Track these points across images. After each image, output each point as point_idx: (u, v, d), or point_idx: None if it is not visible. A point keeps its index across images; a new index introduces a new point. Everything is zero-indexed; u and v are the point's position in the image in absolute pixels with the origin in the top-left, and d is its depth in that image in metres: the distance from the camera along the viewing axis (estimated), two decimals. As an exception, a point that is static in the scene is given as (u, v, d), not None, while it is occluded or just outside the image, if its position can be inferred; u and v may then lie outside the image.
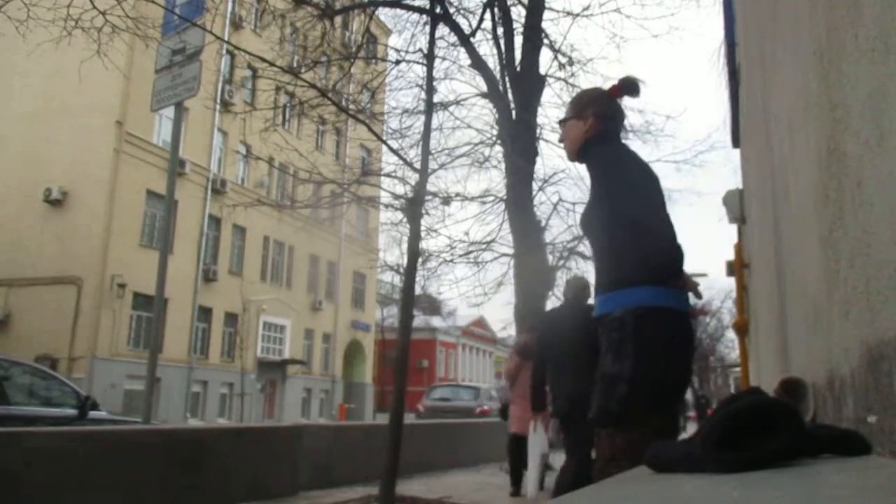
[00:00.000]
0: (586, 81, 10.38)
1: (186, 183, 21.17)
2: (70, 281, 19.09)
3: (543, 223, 10.88)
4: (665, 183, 2.21)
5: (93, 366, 18.56)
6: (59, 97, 19.67)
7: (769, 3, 2.40)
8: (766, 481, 0.94)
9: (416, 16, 8.75)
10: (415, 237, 5.68)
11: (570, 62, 10.16)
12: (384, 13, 11.91)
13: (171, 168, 6.90)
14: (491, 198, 10.36)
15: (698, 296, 2.20)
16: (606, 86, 2.33)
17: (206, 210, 22.72)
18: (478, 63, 9.28)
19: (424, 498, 5.88)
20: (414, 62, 7.70)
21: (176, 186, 7.26)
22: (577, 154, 2.25)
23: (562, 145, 2.32)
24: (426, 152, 5.89)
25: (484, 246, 10.48)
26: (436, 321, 40.58)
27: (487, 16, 9.36)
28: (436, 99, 8.21)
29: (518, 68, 9.86)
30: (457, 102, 9.97)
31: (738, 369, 14.25)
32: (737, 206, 5.69)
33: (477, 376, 44.34)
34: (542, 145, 10.51)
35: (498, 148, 10.16)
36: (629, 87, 2.21)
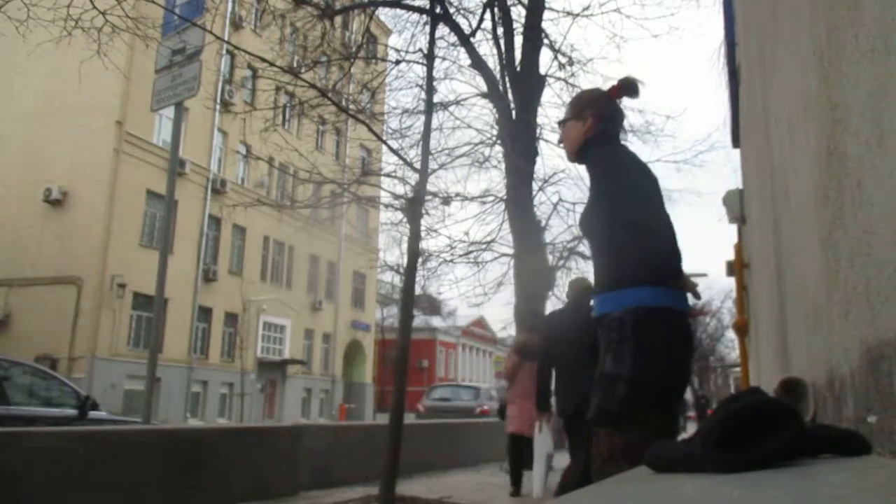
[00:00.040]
0: (586, 81, 10.42)
1: (186, 183, 21.17)
2: (70, 281, 19.09)
3: (543, 223, 10.90)
4: (665, 183, 2.22)
5: (93, 366, 18.56)
6: (59, 97, 19.66)
7: (769, 3, 2.39)
8: (766, 481, 0.94)
9: (416, 16, 8.77)
10: (415, 237, 5.68)
11: (570, 62, 10.19)
12: (384, 13, 11.93)
13: (171, 168, 6.90)
14: (491, 198, 10.38)
15: (697, 297, 2.20)
16: (606, 86, 2.33)
17: (206, 210, 22.71)
18: (478, 63, 9.29)
19: (424, 498, 5.87)
20: (414, 62, 7.71)
21: (176, 186, 7.25)
22: (576, 155, 2.25)
23: (561, 146, 2.33)
24: (426, 152, 5.89)
25: (484, 246, 10.49)
26: (436, 321, 40.58)
27: (487, 16, 9.38)
28: (436, 99, 8.22)
29: (518, 68, 9.87)
30: (457, 102, 9.98)
31: (738, 369, 14.25)
32: (737, 206, 5.69)
33: (477, 376, 44.31)
34: (542, 145, 10.54)
35: (498, 148, 10.17)
36: (628, 87, 2.22)
